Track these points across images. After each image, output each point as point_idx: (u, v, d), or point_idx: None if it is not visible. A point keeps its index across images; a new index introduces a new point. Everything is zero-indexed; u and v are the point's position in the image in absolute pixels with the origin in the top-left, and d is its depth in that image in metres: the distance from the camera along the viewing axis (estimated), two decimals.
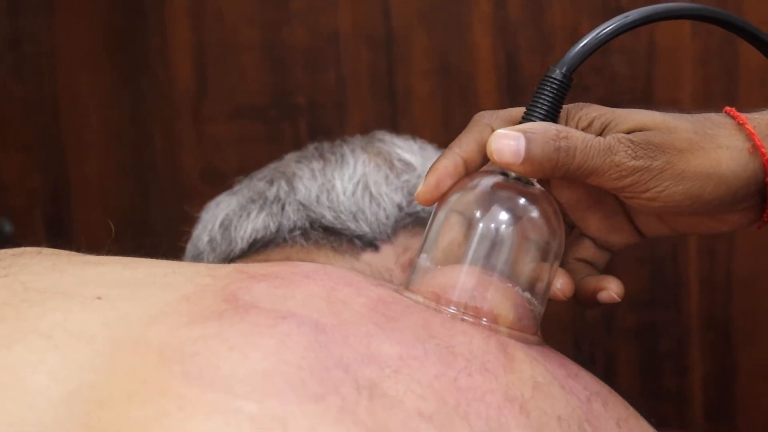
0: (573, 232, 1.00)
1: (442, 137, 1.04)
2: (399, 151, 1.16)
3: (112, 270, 0.86)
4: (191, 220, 1.20)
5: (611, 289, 0.97)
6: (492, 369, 0.82)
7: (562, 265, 0.98)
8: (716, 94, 1.56)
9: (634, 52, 1.58)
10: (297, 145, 1.28)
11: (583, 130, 0.92)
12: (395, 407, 0.75)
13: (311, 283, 0.85)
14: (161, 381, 0.72)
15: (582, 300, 0.98)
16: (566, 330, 1.66)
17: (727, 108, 0.95)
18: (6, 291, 0.81)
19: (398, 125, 1.62)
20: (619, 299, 0.97)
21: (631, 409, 0.92)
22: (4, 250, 0.90)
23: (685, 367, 1.63)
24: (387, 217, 1.10)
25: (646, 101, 1.56)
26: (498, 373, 0.82)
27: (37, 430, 0.71)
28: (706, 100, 1.56)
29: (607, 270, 1.55)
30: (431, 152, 1.19)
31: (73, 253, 0.91)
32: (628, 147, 0.90)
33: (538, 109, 0.92)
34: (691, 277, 1.61)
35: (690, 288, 1.61)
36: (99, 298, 0.80)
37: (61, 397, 0.72)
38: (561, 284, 0.96)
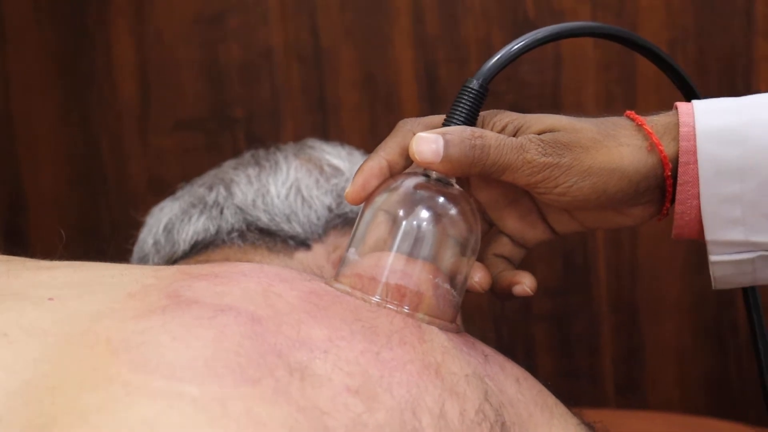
0: (491, 230, 1.01)
1: (370, 143, 1.05)
2: (328, 156, 1.16)
3: (63, 273, 0.86)
4: (138, 225, 1.20)
5: (525, 283, 0.97)
6: (409, 341, 0.83)
7: (481, 260, 0.99)
8: (616, 98, 1.57)
9: (541, 61, 1.59)
10: (236, 154, 1.29)
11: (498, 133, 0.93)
12: (324, 385, 0.75)
13: (248, 281, 0.85)
14: (109, 369, 0.72)
15: (498, 292, 0.98)
16: (487, 318, 1.66)
17: (628, 112, 0.96)
18: None
19: (329, 133, 1.62)
20: (531, 293, 0.98)
21: (527, 372, 0.93)
22: None
23: (596, 348, 1.64)
24: (318, 218, 1.10)
25: (554, 106, 1.58)
26: (415, 344, 0.83)
27: None
28: (608, 105, 1.58)
29: (524, 261, 1.57)
30: (358, 157, 1.19)
31: (26, 259, 0.91)
32: (539, 146, 0.91)
33: (456, 115, 0.93)
34: (600, 266, 1.62)
35: (599, 276, 1.62)
36: (51, 299, 0.80)
37: (15, 388, 0.72)
38: (479, 278, 0.96)
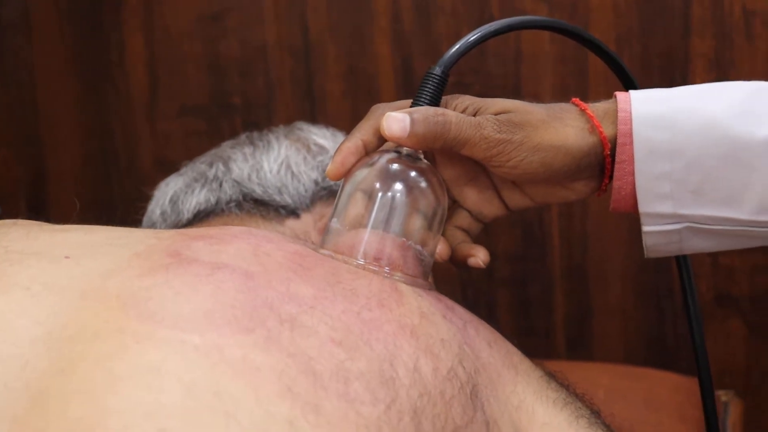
0: (453, 205, 1.01)
1: (352, 128, 1.04)
2: (315, 137, 1.15)
3: (76, 235, 0.86)
4: (146, 200, 1.19)
5: (479, 256, 0.97)
6: (387, 304, 0.82)
7: (443, 232, 0.99)
8: (571, 89, 1.56)
9: (504, 55, 1.58)
10: (233, 137, 1.28)
11: None
12: (312, 335, 0.75)
13: (240, 241, 0.85)
14: (120, 321, 0.73)
15: (455, 262, 0.98)
16: (455, 281, 1.66)
17: (574, 99, 0.97)
18: None
19: (316, 119, 1.60)
20: (483, 266, 0.97)
21: (498, 334, 0.93)
22: None
23: (550, 309, 1.64)
24: (306, 191, 1.09)
25: (515, 96, 1.49)
26: (392, 307, 0.82)
27: (20, 363, 0.70)
28: (563, 95, 1.55)
29: (488, 231, 1.57)
30: (341, 138, 1.17)
31: (42, 223, 0.91)
32: (494, 124, 0.91)
33: (422, 98, 0.93)
34: (554, 235, 1.62)
35: (553, 244, 1.62)
36: (67, 257, 0.80)
37: (39, 336, 0.72)
38: (439, 249, 0.96)
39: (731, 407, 1.40)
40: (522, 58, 1.58)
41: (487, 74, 1.59)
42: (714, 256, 1.56)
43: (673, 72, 1.53)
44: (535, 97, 1.62)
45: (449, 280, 1.66)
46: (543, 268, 1.64)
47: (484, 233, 1.62)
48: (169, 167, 1.27)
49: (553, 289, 1.64)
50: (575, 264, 1.62)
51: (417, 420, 0.74)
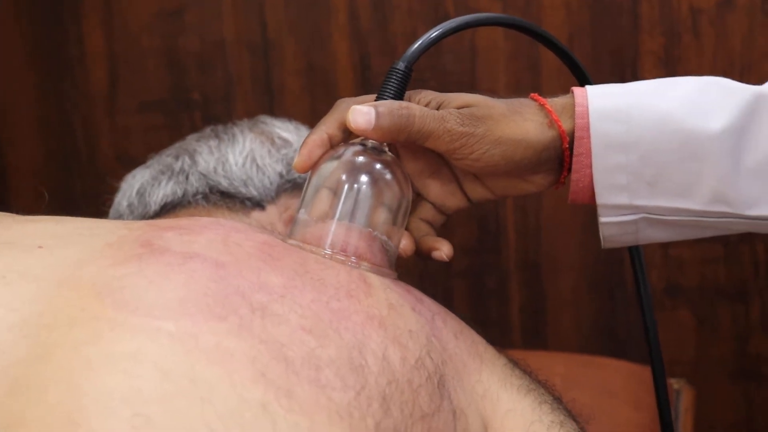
0: (417, 198, 1.01)
1: (311, 124, 1.03)
2: (278, 130, 1.15)
3: (48, 225, 0.86)
4: (107, 193, 1.19)
5: (443, 250, 0.98)
6: (355, 295, 0.83)
7: (408, 224, 1.00)
8: (524, 84, 1.58)
9: (460, 52, 1.59)
10: (193, 132, 1.29)
11: None
12: (283, 323, 0.76)
13: (209, 232, 0.85)
14: (95, 309, 0.73)
15: (420, 254, 0.99)
16: (413, 272, 1.66)
17: (532, 94, 0.97)
18: None
19: (275, 114, 1.56)
20: (447, 259, 0.98)
21: (464, 324, 0.94)
22: None
23: (506, 300, 1.65)
24: (271, 183, 1.10)
25: (471, 91, 1.53)
26: (360, 298, 0.83)
27: None
28: (517, 89, 1.57)
29: (446, 225, 1.58)
30: (304, 131, 1.18)
31: (14, 214, 0.90)
32: (457, 117, 0.91)
33: (386, 92, 0.93)
34: (509, 228, 1.63)
35: (508, 238, 1.63)
36: (40, 247, 0.80)
37: (14, 323, 0.72)
38: (404, 244, 0.97)
39: (683, 395, 1.42)
40: (477, 54, 1.59)
41: (442, 70, 1.60)
42: (665, 247, 1.58)
43: (623, 68, 1.54)
44: (491, 92, 1.60)
45: (407, 271, 1.64)
46: (498, 260, 1.64)
47: (441, 226, 1.64)
48: (129, 162, 1.27)
49: (508, 280, 1.65)
50: (530, 256, 1.63)
51: (386, 406, 0.75)
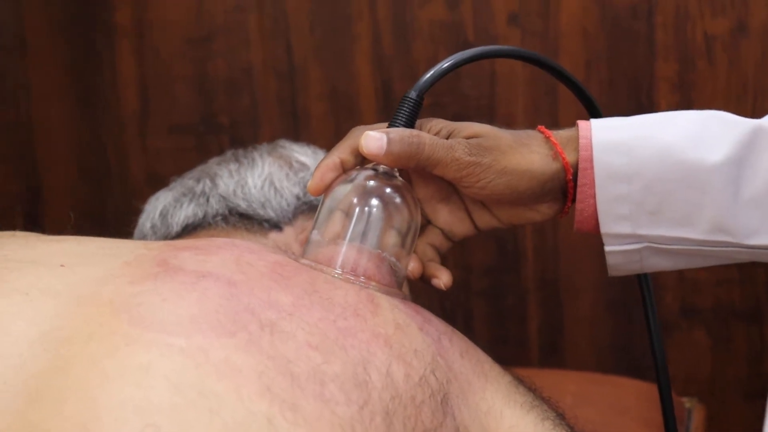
0: (426, 223, 1.01)
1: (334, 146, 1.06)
2: (296, 154, 1.15)
3: (70, 245, 0.87)
4: (137, 213, 1.19)
5: (442, 279, 0.98)
6: (362, 314, 0.84)
7: (416, 248, 1.00)
8: (542, 109, 1.58)
9: (479, 77, 1.59)
10: (220, 155, 1.29)
11: None
12: (290, 340, 0.77)
13: (224, 252, 0.86)
14: (112, 324, 0.74)
15: (421, 279, 1.00)
16: (434, 293, 1.61)
17: (540, 126, 0.98)
18: None
19: (300, 138, 1.55)
20: (445, 288, 0.99)
21: (470, 343, 0.94)
22: None
23: (524, 319, 1.65)
24: (288, 205, 1.09)
25: (489, 116, 1.57)
26: (367, 317, 0.84)
27: (18, 362, 0.71)
28: (535, 115, 1.59)
29: (463, 245, 1.57)
30: (321, 155, 1.15)
31: (39, 234, 0.92)
32: (465, 147, 0.92)
33: (398, 120, 0.95)
34: (528, 249, 1.63)
35: (527, 257, 1.63)
36: (62, 265, 0.81)
37: (36, 337, 0.73)
38: (412, 267, 0.98)
39: (694, 413, 1.41)
40: (496, 79, 1.59)
41: (462, 95, 1.60)
42: (680, 269, 1.58)
43: (638, 94, 1.54)
44: (509, 117, 1.61)
45: (428, 291, 1.64)
46: (517, 280, 1.64)
47: (461, 247, 1.64)
48: (159, 182, 1.26)
49: (526, 300, 1.65)
50: (548, 276, 1.63)
51: (389, 420, 0.75)
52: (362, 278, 0.90)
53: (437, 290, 1.65)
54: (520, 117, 1.59)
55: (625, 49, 1.54)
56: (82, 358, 0.72)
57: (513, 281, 1.65)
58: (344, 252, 0.92)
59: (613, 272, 1.00)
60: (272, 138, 1.58)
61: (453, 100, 1.61)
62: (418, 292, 1.55)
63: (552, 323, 1.65)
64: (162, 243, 0.90)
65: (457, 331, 0.94)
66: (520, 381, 0.93)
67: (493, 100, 1.60)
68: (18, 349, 0.73)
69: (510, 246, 1.64)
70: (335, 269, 0.90)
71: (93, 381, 0.70)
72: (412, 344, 0.84)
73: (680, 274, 1.58)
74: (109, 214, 1.77)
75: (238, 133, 1.71)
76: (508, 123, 1.13)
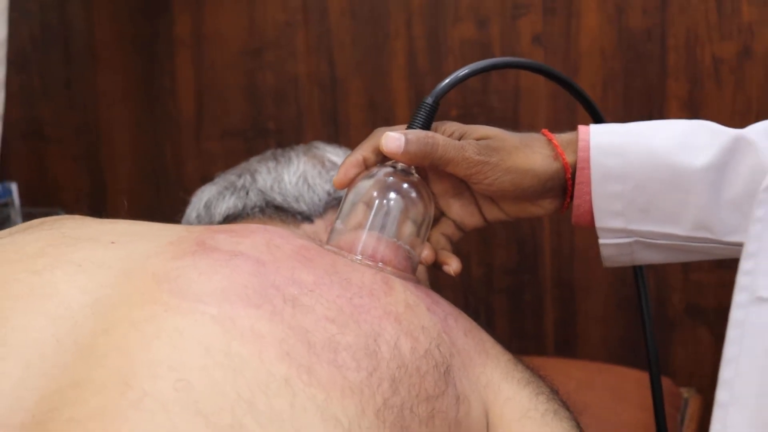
0: (440, 215, 1.04)
1: None
2: (328, 154, 1.16)
3: (122, 226, 0.91)
4: (187, 205, 1.21)
5: (452, 266, 1.01)
6: (376, 294, 0.86)
7: (430, 236, 1.02)
8: (562, 121, 1.58)
9: (505, 92, 1.60)
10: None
11: None
12: (309, 313, 0.79)
13: (255, 235, 0.88)
14: (154, 294, 0.77)
15: (434, 265, 1.02)
16: (459, 289, 1.67)
17: (543, 130, 1.01)
18: (52, 237, 0.85)
19: (340, 144, 1.59)
20: (455, 274, 1.00)
21: (475, 324, 0.96)
22: (51, 217, 0.95)
23: (541, 315, 1.65)
24: (319, 200, 1.09)
25: (514, 127, 1.46)
26: (380, 297, 0.86)
27: (70, 323, 0.74)
28: (555, 127, 1.47)
29: (486, 246, 1.59)
30: None
31: (96, 218, 0.95)
32: (475, 147, 0.95)
33: (416, 123, 0.98)
34: (546, 250, 1.63)
35: (545, 258, 1.63)
36: (113, 242, 0.84)
37: (87, 303, 0.76)
38: (426, 254, 1.00)
39: (690, 402, 1.43)
40: (520, 94, 1.59)
41: (489, 107, 1.60)
42: (686, 271, 1.56)
43: (651, 110, 1.53)
44: (532, 128, 1.54)
45: (454, 288, 1.67)
46: (535, 279, 1.64)
47: (485, 247, 1.65)
48: None
49: (543, 297, 1.65)
50: (563, 276, 1.63)
51: (395, 387, 0.78)
52: (379, 263, 0.93)
53: (462, 287, 1.66)
54: (542, 128, 1.58)
55: (639, 68, 1.53)
56: (126, 321, 0.74)
57: (531, 280, 1.65)
58: (364, 239, 0.94)
59: (606, 263, 1.03)
60: None
61: (481, 112, 1.61)
62: (445, 288, 1.56)
63: (566, 319, 1.64)
64: (202, 227, 0.92)
65: (463, 313, 0.96)
66: (519, 360, 0.95)
67: (517, 113, 1.60)
68: (70, 313, 0.75)
69: (529, 248, 1.64)
70: (356, 254, 0.93)
71: (133, 341, 0.72)
72: (420, 321, 0.86)
73: (686, 276, 1.57)
74: (165, 212, 1.69)
75: (283, 139, 1.71)
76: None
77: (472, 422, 0.86)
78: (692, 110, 1.53)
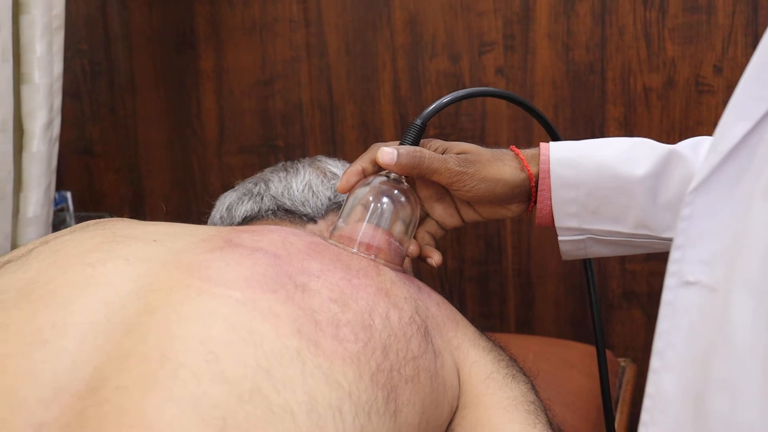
0: (425, 216, 1.03)
1: None
2: (330, 166, 1.15)
3: (162, 227, 0.90)
4: (211, 209, 1.20)
5: (434, 258, 1.00)
6: (370, 275, 0.86)
7: (416, 233, 1.01)
8: (521, 139, 1.57)
9: (473, 114, 1.59)
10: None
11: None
12: (316, 296, 0.79)
13: (273, 234, 0.88)
14: (188, 281, 0.76)
15: (420, 258, 1.01)
16: (436, 278, 1.67)
17: (512, 146, 1.00)
18: (105, 236, 0.84)
19: (338, 157, 1.60)
20: (436, 265, 1.00)
21: (446, 300, 0.96)
22: (105, 219, 0.95)
23: (504, 299, 1.64)
24: (322, 204, 1.09)
25: (481, 144, 1.47)
26: (373, 276, 0.86)
27: (119, 306, 0.74)
28: (515, 143, 1.56)
29: (458, 243, 1.58)
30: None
31: (140, 221, 0.94)
32: (456, 160, 0.95)
33: (407, 139, 0.97)
34: (508, 246, 1.63)
35: (507, 252, 1.63)
36: (155, 240, 0.84)
37: (132, 289, 0.76)
38: (412, 248, 1.00)
39: (627, 369, 1.42)
40: (486, 117, 1.59)
41: (461, 128, 1.60)
42: (623, 263, 1.56)
43: (593, 130, 1.53)
44: (496, 145, 1.56)
45: (432, 277, 1.67)
46: (499, 269, 1.64)
47: (458, 244, 1.64)
48: None
49: (506, 284, 1.64)
50: (522, 267, 1.63)
51: (386, 352, 0.78)
52: (373, 255, 0.92)
53: (438, 275, 1.65)
54: (504, 145, 1.55)
55: (584, 95, 1.53)
56: (165, 304, 0.74)
57: (496, 270, 1.65)
58: (361, 235, 0.93)
59: (565, 257, 1.02)
60: None
61: (453, 131, 1.61)
62: (425, 277, 1.55)
63: (525, 302, 1.64)
64: (228, 227, 0.92)
65: (435, 291, 0.96)
66: (483, 332, 0.95)
67: (484, 132, 1.60)
68: (119, 298, 0.75)
69: (495, 244, 1.64)
70: (354, 247, 0.92)
71: (171, 320, 0.72)
72: (402, 294, 0.86)
73: (623, 267, 1.57)
74: (193, 214, 1.77)
75: (290, 154, 1.71)
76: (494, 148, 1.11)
77: (446, 373, 0.86)
78: (627, 129, 1.52)
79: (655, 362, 0.69)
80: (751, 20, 1.42)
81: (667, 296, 0.68)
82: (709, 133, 0.92)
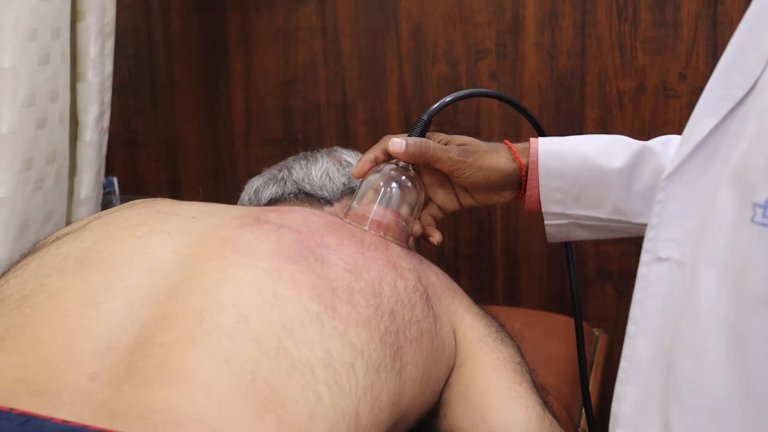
0: (428, 200, 1.03)
1: None
2: (345, 156, 1.15)
3: (200, 206, 0.91)
4: (240, 191, 1.21)
5: (435, 237, 1.01)
6: (380, 249, 0.87)
7: (420, 216, 1.02)
8: (510, 135, 1.57)
9: (469, 113, 1.59)
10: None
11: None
12: (333, 266, 0.79)
13: (296, 213, 0.89)
14: (222, 252, 0.77)
15: (423, 237, 1.02)
16: (434, 257, 1.63)
17: (505, 141, 1.01)
18: (150, 213, 0.85)
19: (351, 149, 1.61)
20: (437, 244, 1.01)
21: (443, 273, 0.96)
22: (150, 198, 0.95)
23: (493, 276, 1.64)
24: (337, 189, 1.08)
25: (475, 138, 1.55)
26: (382, 251, 0.86)
27: (162, 274, 0.74)
28: (505, 138, 1.54)
29: (454, 226, 1.58)
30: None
31: (182, 201, 0.95)
32: (457, 150, 0.95)
33: (414, 132, 0.98)
34: (498, 229, 1.62)
35: (497, 234, 1.63)
36: (193, 217, 0.85)
37: (174, 259, 0.77)
38: (415, 228, 1.00)
39: (600, 339, 1.43)
40: (480, 115, 1.59)
41: (457, 124, 1.60)
42: (598, 245, 1.56)
43: (574, 128, 1.53)
44: (489, 139, 1.52)
45: (431, 256, 1.59)
46: (490, 249, 1.64)
47: (453, 227, 1.64)
48: None
49: (496, 263, 1.64)
50: (510, 247, 1.62)
51: (393, 316, 0.78)
52: (382, 233, 0.92)
53: (436, 254, 1.65)
54: (495, 140, 1.54)
55: (566, 98, 1.53)
56: (201, 272, 0.75)
57: (487, 250, 1.64)
58: (372, 215, 0.94)
59: (550, 239, 1.02)
60: None
61: (451, 128, 1.60)
62: (426, 257, 1.55)
63: (512, 279, 1.64)
64: (257, 208, 0.92)
65: (434, 265, 0.96)
66: (475, 302, 0.96)
67: (478, 128, 1.60)
68: (162, 267, 0.76)
69: (486, 227, 1.63)
70: (366, 226, 0.93)
71: (207, 286, 0.73)
72: (407, 265, 0.87)
73: (597, 248, 1.57)
74: (223, 198, 1.70)
75: (309, 147, 1.64)
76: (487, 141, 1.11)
77: (445, 335, 0.86)
78: (604, 128, 1.52)
79: (631, 328, 0.69)
80: (710, 34, 1.42)
81: (642, 270, 0.69)
82: (675, 131, 0.94)
